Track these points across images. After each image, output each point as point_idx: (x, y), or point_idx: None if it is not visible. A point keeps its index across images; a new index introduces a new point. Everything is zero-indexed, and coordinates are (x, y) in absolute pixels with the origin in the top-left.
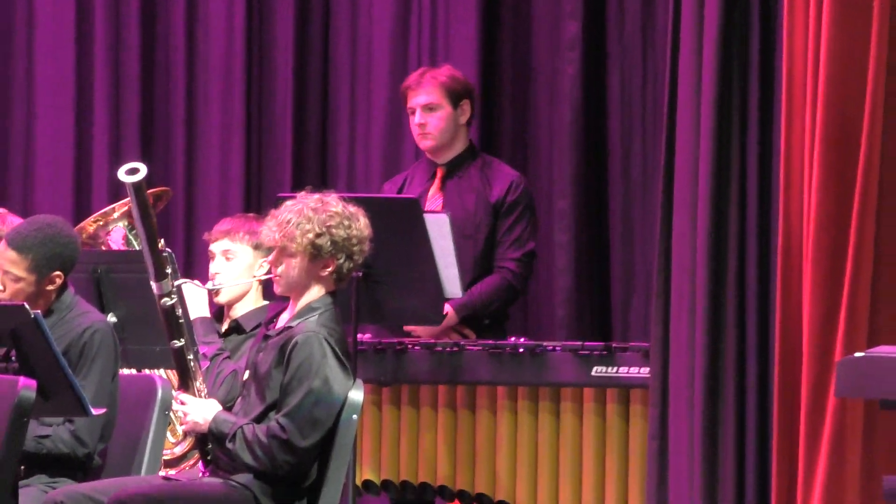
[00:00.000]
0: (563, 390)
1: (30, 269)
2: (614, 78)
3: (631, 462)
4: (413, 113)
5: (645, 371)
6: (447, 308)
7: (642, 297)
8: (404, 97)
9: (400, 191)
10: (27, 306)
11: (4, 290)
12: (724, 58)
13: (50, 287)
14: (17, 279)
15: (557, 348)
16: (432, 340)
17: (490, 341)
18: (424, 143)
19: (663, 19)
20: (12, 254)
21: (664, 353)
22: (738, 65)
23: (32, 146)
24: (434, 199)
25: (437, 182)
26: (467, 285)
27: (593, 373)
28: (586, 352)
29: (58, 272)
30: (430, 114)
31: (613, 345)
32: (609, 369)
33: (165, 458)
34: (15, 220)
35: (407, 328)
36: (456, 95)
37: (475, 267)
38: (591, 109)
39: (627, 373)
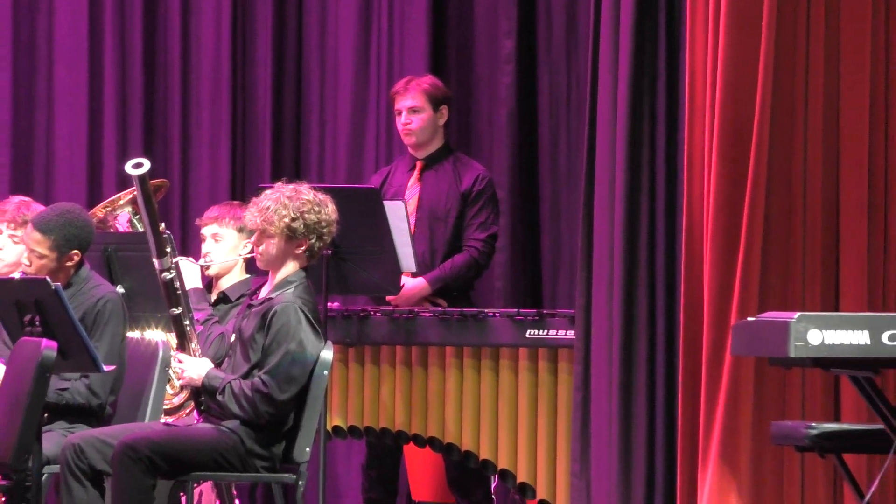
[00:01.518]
0: (502, 350)
1: (52, 248)
2: (543, 85)
3: (559, 410)
4: (399, 114)
5: (571, 333)
6: (422, 281)
7: (567, 271)
8: (392, 101)
9: (384, 181)
10: (49, 280)
11: (30, 266)
12: (637, 66)
13: (69, 263)
14: (41, 256)
15: (496, 314)
16: (391, 308)
17: (440, 308)
18: (408, 140)
19: (585, 34)
20: (37, 235)
21: (587, 318)
22: (649, 72)
23: (52, 144)
24: (413, 187)
25: (416, 173)
26: (440, 261)
27: (527, 335)
28: (521, 317)
29: (76, 251)
30: (414, 115)
31: (544, 311)
32: (541, 332)
33: (165, 407)
34: (38, 207)
35: (388, 298)
36: (436, 101)
37: (446, 245)
38: (524, 112)
39: (556, 335)
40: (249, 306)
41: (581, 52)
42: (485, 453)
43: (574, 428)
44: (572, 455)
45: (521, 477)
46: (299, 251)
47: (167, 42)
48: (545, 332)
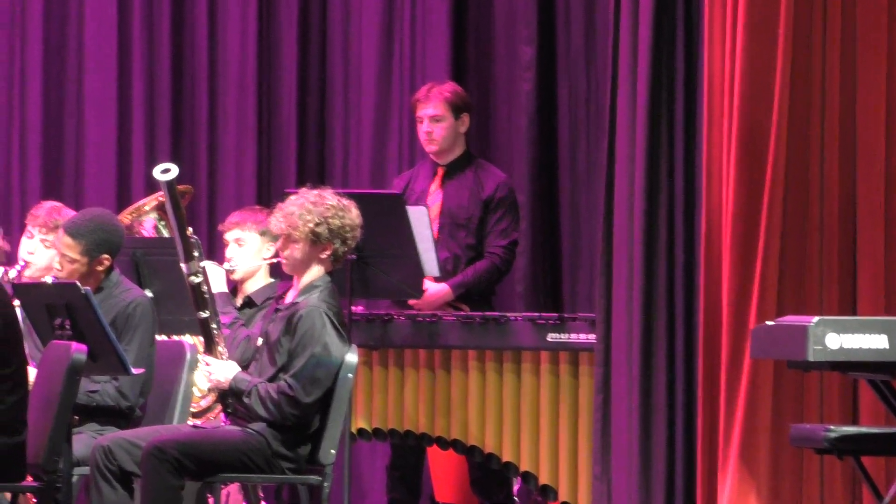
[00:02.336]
0: (523, 353)
1: (82, 253)
2: (563, 91)
3: (580, 413)
4: (421, 122)
5: (591, 337)
6: (445, 286)
7: (587, 275)
8: (413, 108)
9: (406, 186)
10: (79, 284)
11: (61, 270)
12: (655, 73)
13: (99, 268)
14: (72, 261)
15: (518, 318)
16: (414, 312)
17: (462, 313)
18: (430, 148)
19: (604, 41)
20: (68, 239)
21: (607, 322)
22: (667, 79)
23: (82, 150)
24: (435, 194)
25: (437, 180)
26: (462, 266)
27: (548, 339)
28: (542, 321)
29: (106, 255)
30: (436, 124)
31: (565, 315)
32: (562, 336)
33: (193, 409)
34: (69, 212)
35: (411, 302)
36: (457, 108)
37: (467, 251)
38: (544, 118)
39: (577, 339)
40: (276, 310)
41: (600, 59)
42: (507, 455)
43: (595, 430)
44: (593, 457)
45: (543, 479)
46: (324, 256)
47: (195, 49)
48: (566, 335)
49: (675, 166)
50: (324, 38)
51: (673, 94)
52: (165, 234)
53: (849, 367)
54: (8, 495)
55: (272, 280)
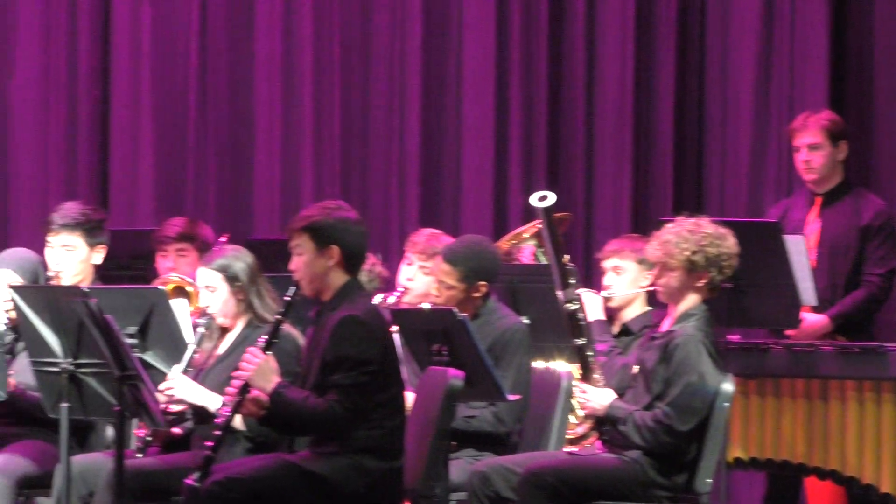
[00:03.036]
0: None
1: (460, 279)
2: None
3: None
4: (798, 150)
5: None
6: (824, 318)
7: None
8: (791, 137)
9: (783, 215)
10: (455, 310)
11: (439, 296)
12: None
13: (476, 294)
14: (450, 287)
15: None
16: (792, 341)
17: (839, 342)
18: (808, 176)
19: None
20: (446, 266)
21: None
22: None
23: (460, 178)
24: (813, 223)
25: (815, 209)
26: (840, 296)
27: None
28: None
29: (483, 282)
30: (814, 152)
31: None
32: None
33: (568, 436)
34: (447, 239)
35: (788, 332)
36: (835, 136)
37: (846, 280)
38: None
39: None
40: (651, 338)
41: None
42: (886, 487)
43: None
44: None
45: None
46: (700, 284)
47: (572, 78)
48: None
49: None
50: (701, 67)
51: None
52: (544, 261)
53: None
54: None
55: (649, 308)
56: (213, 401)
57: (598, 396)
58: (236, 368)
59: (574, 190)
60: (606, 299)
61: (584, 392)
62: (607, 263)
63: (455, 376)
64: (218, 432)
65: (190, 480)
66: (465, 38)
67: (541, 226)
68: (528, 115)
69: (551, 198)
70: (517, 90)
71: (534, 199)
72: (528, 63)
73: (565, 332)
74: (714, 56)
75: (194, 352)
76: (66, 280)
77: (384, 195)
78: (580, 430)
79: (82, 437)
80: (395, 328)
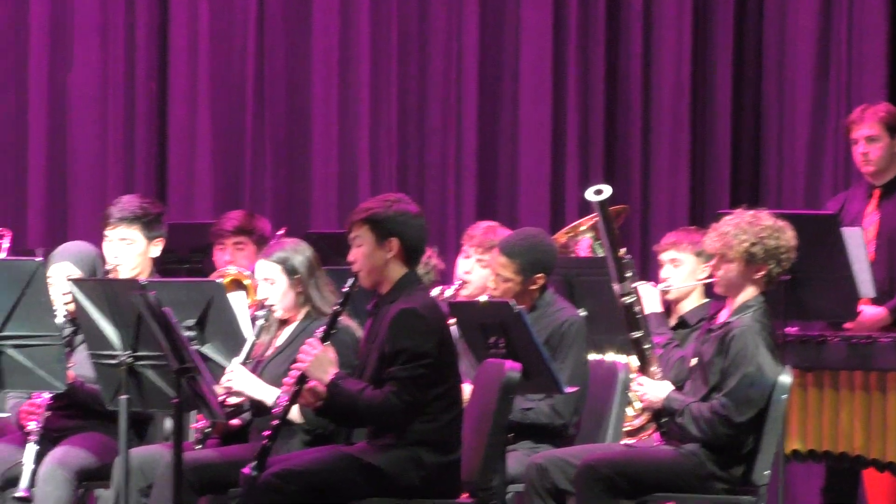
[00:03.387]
0: None
1: (517, 272)
2: None
3: None
4: (856, 143)
5: None
6: (883, 310)
7: None
8: (848, 130)
9: (841, 207)
10: (512, 303)
11: (496, 289)
12: None
13: (533, 287)
14: (507, 280)
15: None
16: (850, 334)
17: None
18: (866, 169)
19: None
20: (503, 259)
21: None
22: None
23: (517, 171)
24: (871, 215)
25: (874, 201)
26: None
27: None
28: None
29: (540, 274)
30: (871, 144)
31: None
32: None
33: (626, 429)
34: (504, 232)
35: (846, 325)
36: (892, 128)
37: None
38: None
39: None
40: (709, 330)
41: None
42: None
43: None
44: None
45: None
46: (758, 276)
47: (629, 70)
48: None
49: None
50: (759, 59)
51: None
52: (601, 254)
53: None
54: None
55: (706, 300)
56: (270, 395)
57: (655, 388)
58: (294, 360)
59: (631, 182)
60: (664, 292)
61: (641, 384)
62: (665, 256)
63: (512, 369)
64: (275, 422)
65: (247, 469)
66: (522, 30)
67: (597, 219)
68: (585, 107)
69: (607, 191)
70: (574, 82)
71: (589, 193)
72: (585, 53)
73: (622, 324)
74: (771, 49)
75: (253, 344)
76: (124, 273)
77: (441, 188)
78: (637, 422)
79: (141, 430)
80: (452, 321)
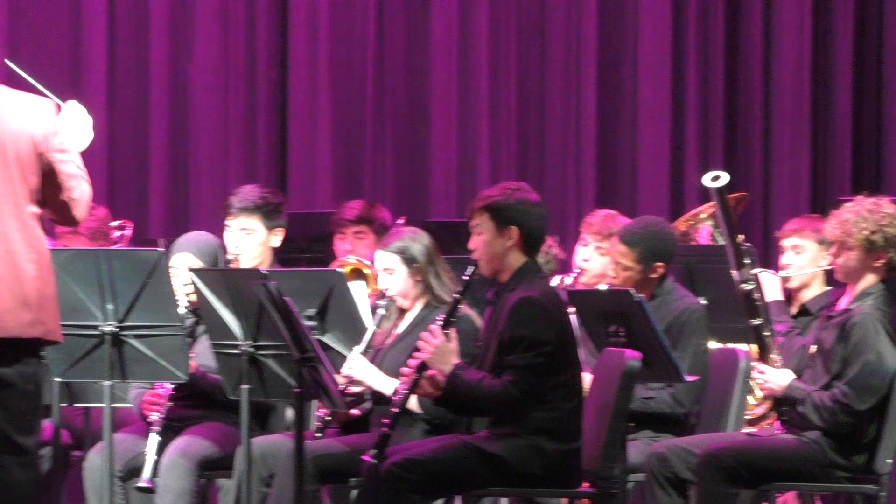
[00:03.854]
0: None
1: (637, 260)
2: None
3: None
4: None
5: None
6: None
7: None
8: None
9: None
10: (632, 291)
11: (616, 277)
12: None
13: (653, 275)
14: (626, 268)
15: None
16: None
17: None
18: None
19: None
20: (622, 247)
21: None
22: None
23: (636, 159)
24: None
25: None
26: None
27: None
28: None
29: (660, 263)
30: None
31: None
32: None
33: (747, 417)
34: (623, 220)
35: None
36: None
37: None
38: None
39: None
40: (829, 318)
41: None
42: None
43: None
44: None
45: None
46: (878, 264)
47: (749, 57)
48: None
49: None
50: (880, 43)
51: None
52: (721, 241)
53: None
54: None
55: (828, 288)
56: (388, 385)
57: (776, 377)
58: (415, 349)
59: (752, 169)
60: (785, 280)
61: (762, 373)
62: (787, 242)
63: (632, 357)
64: (395, 409)
65: (367, 457)
66: (641, 18)
67: (715, 205)
68: (704, 95)
69: (724, 178)
70: (693, 70)
71: (706, 180)
72: (704, 42)
73: (742, 312)
74: (893, 32)
75: (373, 333)
76: (245, 263)
77: (561, 176)
78: (759, 410)
79: (263, 419)
80: (571, 309)
